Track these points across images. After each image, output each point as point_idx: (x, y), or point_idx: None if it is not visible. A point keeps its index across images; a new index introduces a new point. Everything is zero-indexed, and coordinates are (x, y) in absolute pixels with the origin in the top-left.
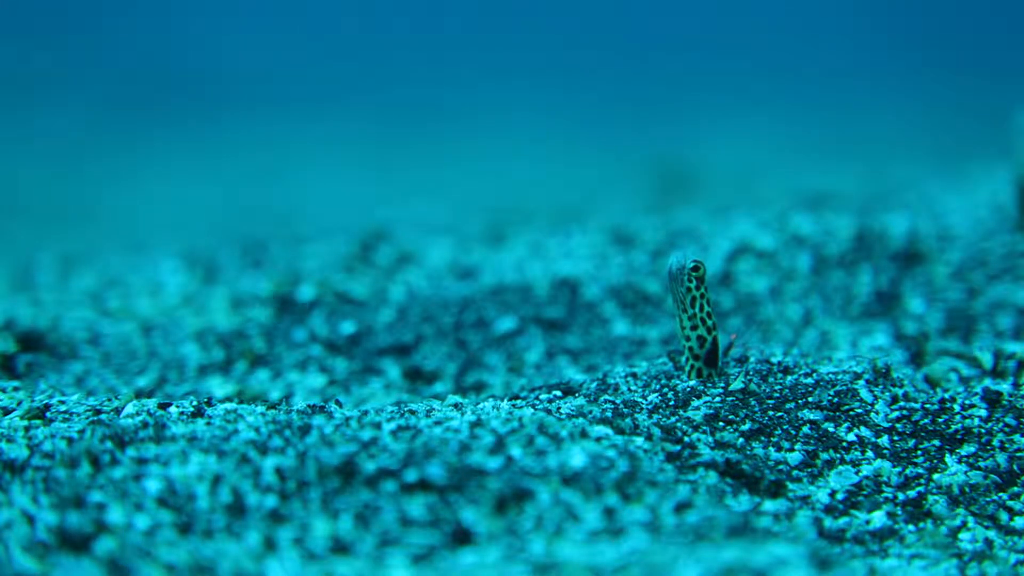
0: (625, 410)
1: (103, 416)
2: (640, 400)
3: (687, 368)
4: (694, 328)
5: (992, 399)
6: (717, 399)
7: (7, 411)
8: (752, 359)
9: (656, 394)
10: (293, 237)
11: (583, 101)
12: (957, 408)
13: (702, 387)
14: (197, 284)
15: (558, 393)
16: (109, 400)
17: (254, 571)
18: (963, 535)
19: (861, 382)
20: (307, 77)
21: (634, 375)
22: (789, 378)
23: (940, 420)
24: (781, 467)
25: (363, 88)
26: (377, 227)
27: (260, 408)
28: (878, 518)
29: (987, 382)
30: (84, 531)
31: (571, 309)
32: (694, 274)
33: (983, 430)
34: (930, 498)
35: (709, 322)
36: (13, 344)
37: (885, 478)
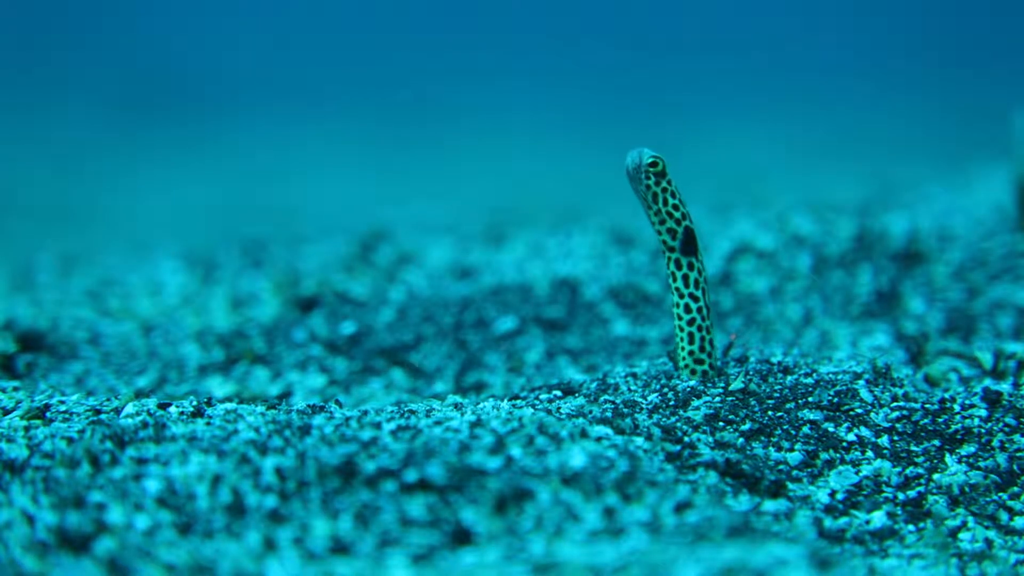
0: (625, 410)
1: (103, 416)
2: (640, 400)
3: (668, 263)
4: (662, 223)
5: (992, 399)
6: (717, 399)
7: (7, 411)
8: (752, 359)
9: (656, 394)
10: (293, 237)
11: (583, 101)
12: (957, 408)
13: (702, 387)
14: (197, 284)
15: (558, 393)
16: (109, 400)
17: (254, 571)
18: (963, 535)
19: (861, 382)
20: (308, 77)
21: (634, 375)
22: (789, 378)
23: (940, 420)
24: (781, 467)
25: (363, 88)
26: (377, 227)
27: (260, 408)
28: (878, 518)
29: (987, 382)
30: (84, 531)
31: (571, 309)
32: (652, 170)
33: (983, 430)
34: (930, 498)
35: (677, 213)
36: (13, 344)
37: (885, 478)
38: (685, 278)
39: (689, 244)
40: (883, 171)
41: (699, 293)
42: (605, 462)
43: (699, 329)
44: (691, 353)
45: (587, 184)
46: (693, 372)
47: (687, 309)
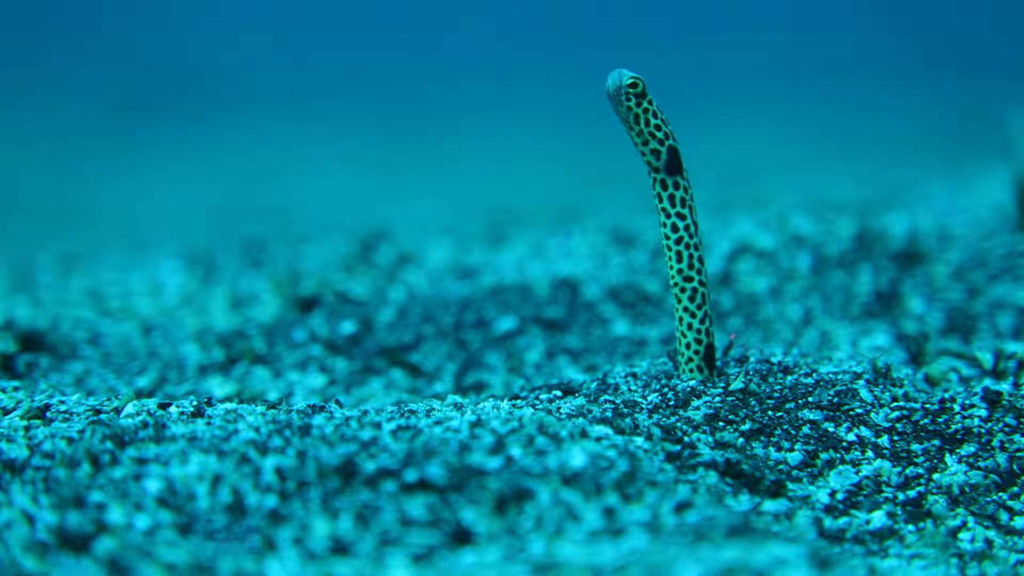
0: (625, 410)
1: (103, 416)
2: (640, 400)
3: (653, 184)
4: (645, 143)
5: (992, 399)
6: (717, 399)
7: (7, 411)
8: (752, 359)
9: (656, 394)
10: (293, 237)
11: (583, 101)
12: (957, 408)
13: (702, 387)
14: (197, 284)
15: (558, 393)
16: (109, 400)
17: (254, 571)
18: (963, 535)
19: (861, 382)
20: (307, 77)
21: (634, 375)
22: (789, 378)
23: (940, 420)
24: (781, 467)
25: (363, 88)
26: (377, 227)
27: (260, 408)
28: (878, 518)
29: (987, 382)
30: (84, 531)
31: (571, 309)
32: (631, 91)
33: (983, 430)
34: (930, 498)
35: (659, 133)
36: (13, 344)
37: (885, 478)
38: (671, 198)
39: (673, 163)
40: (883, 171)
41: (686, 212)
42: (605, 462)
43: (687, 247)
44: (679, 271)
45: (587, 184)
46: (683, 290)
47: (674, 228)
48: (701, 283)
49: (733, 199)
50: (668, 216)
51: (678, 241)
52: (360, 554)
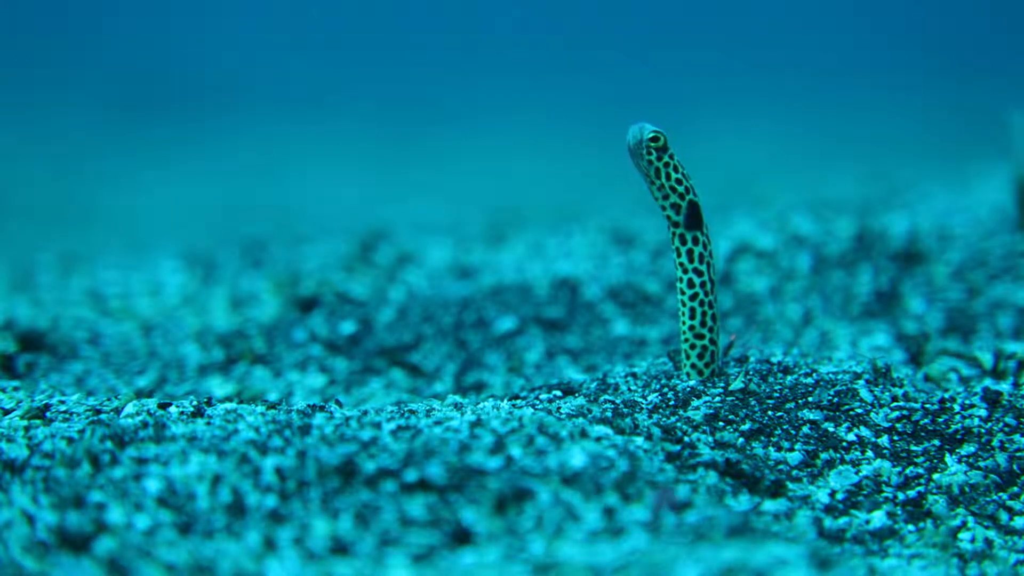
0: (625, 410)
1: (103, 416)
2: (640, 400)
3: (673, 238)
4: (665, 198)
5: (992, 399)
6: (717, 399)
7: (7, 411)
8: (752, 359)
9: (656, 394)
10: (293, 237)
11: (583, 101)
12: (957, 408)
13: (702, 387)
14: (197, 284)
15: (558, 393)
16: (109, 400)
17: (254, 571)
18: (963, 535)
19: (861, 382)
20: (306, 78)
21: (634, 375)
22: (789, 378)
23: (940, 420)
24: (781, 467)
25: (363, 88)
26: (377, 227)
27: (260, 408)
28: (878, 518)
29: (987, 382)
30: (84, 531)
31: (571, 309)
32: (653, 145)
33: (983, 430)
34: (930, 498)
35: (680, 188)
36: (13, 344)
37: (885, 478)
38: (690, 253)
39: (693, 218)
40: (883, 171)
41: (703, 268)
42: (605, 462)
43: (701, 304)
44: (691, 328)
45: (587, 184)
46: (692, 347)
47: (690, 284)
48: (712, 341)
49: (733, 199)
50: (685, 272)
51: (693, 297)
52: (360, 554)
